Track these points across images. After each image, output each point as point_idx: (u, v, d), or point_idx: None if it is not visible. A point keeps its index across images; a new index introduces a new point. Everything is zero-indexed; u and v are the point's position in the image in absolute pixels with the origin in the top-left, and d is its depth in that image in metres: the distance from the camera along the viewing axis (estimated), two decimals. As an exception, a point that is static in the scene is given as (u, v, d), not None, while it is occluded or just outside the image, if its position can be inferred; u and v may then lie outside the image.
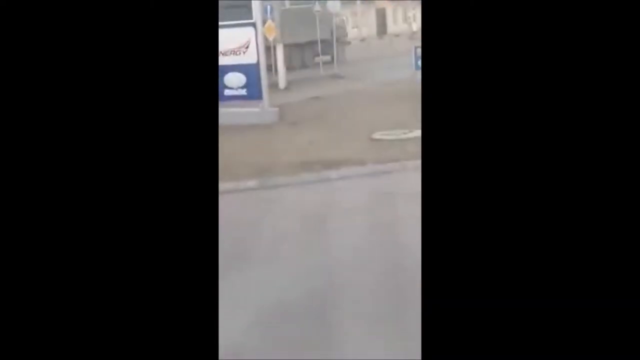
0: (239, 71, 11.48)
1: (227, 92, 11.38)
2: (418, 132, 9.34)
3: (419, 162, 7.65)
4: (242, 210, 6.45)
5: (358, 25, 39.36)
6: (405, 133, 9.41)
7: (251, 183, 7.39)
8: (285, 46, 19.21)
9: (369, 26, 42.50)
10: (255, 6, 11.38)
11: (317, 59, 21.85)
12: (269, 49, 15.98)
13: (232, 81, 11.51)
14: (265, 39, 12.86)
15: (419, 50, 17.23)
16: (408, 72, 16.75)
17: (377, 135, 9.47)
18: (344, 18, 26.09)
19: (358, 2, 30.98)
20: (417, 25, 39.81)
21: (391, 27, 44.94)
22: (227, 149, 7.87)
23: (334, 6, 20.52)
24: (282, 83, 16.50)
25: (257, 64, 11.43)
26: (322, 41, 21.83)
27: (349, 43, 25.89)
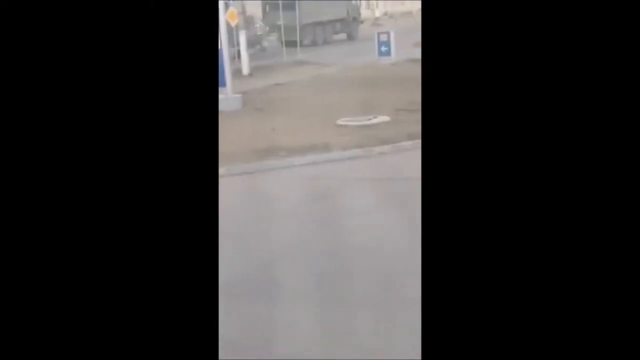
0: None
1: (190, 78, 11.24)
2: (382, 118, 9.39)
3: (383, 148, 7.75)
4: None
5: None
6: (369, 119, 9.43)
7: (215, 170, 7.33)
8: (309, 24, 22.52)
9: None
10: (218, -8, 11.30)
11: (335, 36, 24.34)
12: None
13: (195, 68, 11.38)
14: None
15: (382, 36, 17.30)
16: (372, 58, 16.81)
17: (341, 122, 9.47)
18: (359, 1, 28.57)
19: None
20: (379, 11, 39.94)
21: (354, 13, 44.93)
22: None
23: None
24: (245, 69, 16.39)
25: (220, 51, 11.33)
26: (340, 20, 24.95)
27: (362, 22, 28.32)
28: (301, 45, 21.31)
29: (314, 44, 23.27)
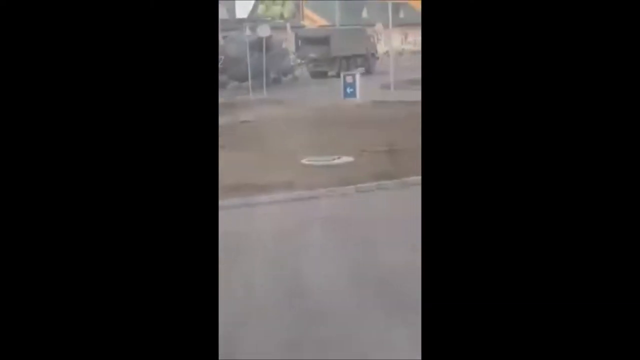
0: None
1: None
2: (346, 159, 9.47)
3: (346, 189, 7.79)
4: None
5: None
6: (334, 159, 9.49)
7: (178, 207, 7.27)
8: (337, 58, 27.57)
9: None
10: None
11: (356, 70, 26.41)
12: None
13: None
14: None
15: (348, 78, 17.50)
16: (336, 98, 16.96)
17: (306, 161, 9.52)
18: (376, 37, 32.92)
19: (288, 27, 32.56)
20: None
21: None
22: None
23: (264, 31, 21.26)
24: (211, 106, 16.43)
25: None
26: (360, 56, 29.51)
27: (378, 58, 32.25)
28: (326, 76, 26.09)
29: (338, 75, 26.46)
